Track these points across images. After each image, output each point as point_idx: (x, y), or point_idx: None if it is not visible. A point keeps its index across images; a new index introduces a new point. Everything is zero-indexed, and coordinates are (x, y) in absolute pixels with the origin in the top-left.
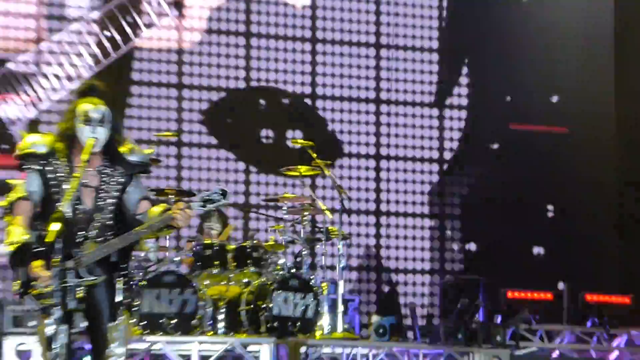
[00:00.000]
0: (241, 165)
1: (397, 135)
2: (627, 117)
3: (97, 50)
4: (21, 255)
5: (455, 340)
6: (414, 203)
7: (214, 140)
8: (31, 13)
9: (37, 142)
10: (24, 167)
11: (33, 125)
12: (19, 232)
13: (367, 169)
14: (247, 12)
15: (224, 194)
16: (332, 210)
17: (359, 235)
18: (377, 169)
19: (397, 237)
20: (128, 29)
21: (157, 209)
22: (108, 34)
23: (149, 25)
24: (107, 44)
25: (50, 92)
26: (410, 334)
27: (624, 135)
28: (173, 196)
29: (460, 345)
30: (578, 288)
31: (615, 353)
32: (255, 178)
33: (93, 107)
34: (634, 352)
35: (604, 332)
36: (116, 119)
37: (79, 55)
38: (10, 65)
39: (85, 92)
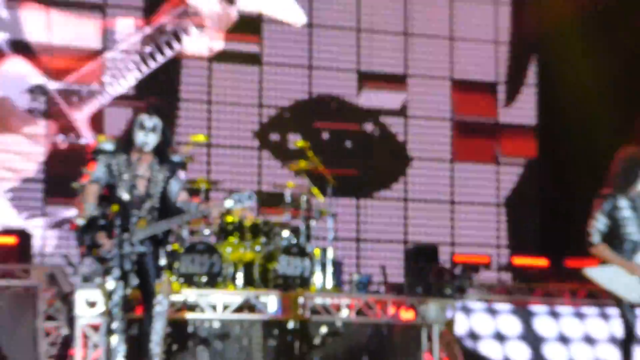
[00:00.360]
0: (255, 161)
1: None
2: None
3: (140, 62)
4: (89, 227)
5: (415, 293)
6: None
7: (235, 142)
8: (91, 34)
9: (106, 142)
10: (94, 159)
11: (94, 122)
12: (88, 208)
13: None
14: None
15: (251, 196)
16: (324, 194)
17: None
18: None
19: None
20: (164, 46)
21: (195, 201)
22: (149, 49)
23: (180, 42)
24: (147, 58)
25: (105, 96)
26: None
27: None
28: (204, 184)
29: (419, 296)
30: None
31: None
32: (266, 170)
33: (147, 117)
34: (552, 302)
35: (526, 286)
36: (166, 128)
37: (126, 67)
38: (73, 77)
39: (145, 107)
